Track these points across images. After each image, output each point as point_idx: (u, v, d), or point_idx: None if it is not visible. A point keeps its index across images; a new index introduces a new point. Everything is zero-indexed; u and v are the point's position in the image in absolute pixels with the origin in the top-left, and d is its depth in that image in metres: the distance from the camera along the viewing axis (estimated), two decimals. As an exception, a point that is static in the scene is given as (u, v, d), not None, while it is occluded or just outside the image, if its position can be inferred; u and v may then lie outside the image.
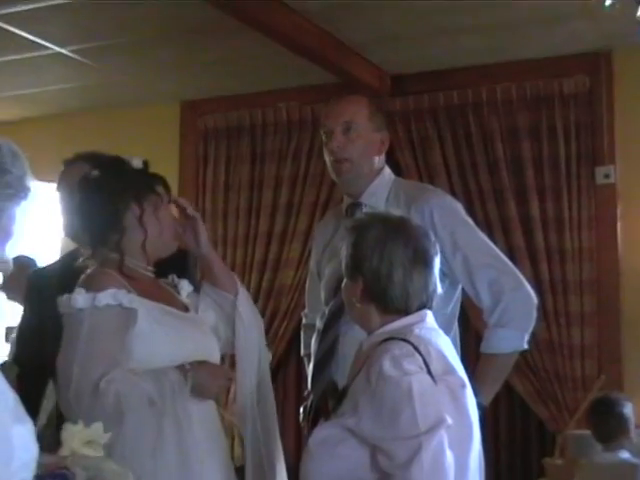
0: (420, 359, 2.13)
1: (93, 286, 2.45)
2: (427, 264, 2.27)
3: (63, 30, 4.78)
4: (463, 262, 2.95)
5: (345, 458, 2.11)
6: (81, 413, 2.33)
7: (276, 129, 5.96)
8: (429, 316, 2.30)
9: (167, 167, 6.09)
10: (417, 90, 5.59)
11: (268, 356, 2.83)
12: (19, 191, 1.67)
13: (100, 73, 5.50)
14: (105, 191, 2.55)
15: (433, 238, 2.32)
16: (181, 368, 2.45)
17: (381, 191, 3.06)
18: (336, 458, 2.12)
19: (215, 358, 2.65)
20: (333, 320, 2.96)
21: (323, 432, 2.18)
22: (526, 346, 2.97)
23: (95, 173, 2.59)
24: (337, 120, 3.02)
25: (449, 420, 2.06)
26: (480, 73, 5.46)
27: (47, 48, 5.01)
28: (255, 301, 5.55)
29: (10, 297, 5.05)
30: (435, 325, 2.31)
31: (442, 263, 2.45)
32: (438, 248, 2.32)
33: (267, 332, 5.73)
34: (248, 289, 5.49)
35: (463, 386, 2.21)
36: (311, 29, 4.81)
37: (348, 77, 5.31)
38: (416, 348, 2.15)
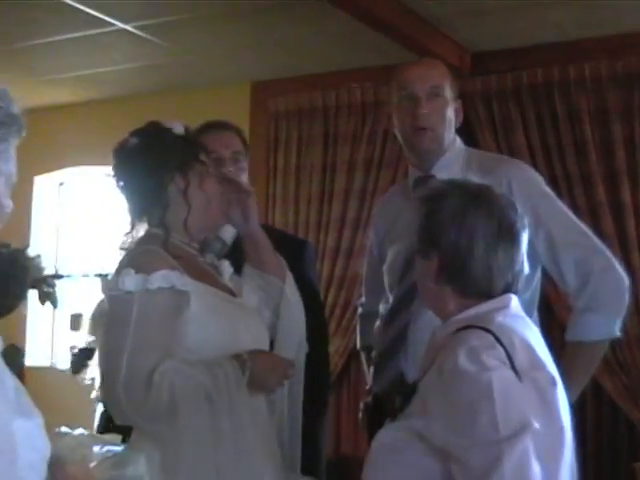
0: (502, 352, 1.84)
1: (143, 266, 2.21)
2: (513, 239, 1.97)
3: (126, 4, 4.57)
4: (546, 239, 2.67)
5: (412, 467, 1.84)
6: (130, 409, 2.12)
7: (350, 111, 5.68)
8: (514, 301, 2.00)
9: (237, 150, 5.97)
10: (499, 68, 5.27)
11: (305, 349, 2.58)
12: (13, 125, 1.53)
13: (167, 52, 5.28)
14: (146, 161, 2.32)
15: (520, 210, 2.02)
16: (238, 358, 2.21)
17: (453, 163, 2.81)
18: (402, 466, 1.85)
19: (265, 345, 2.42)
20: (402, 305, 2.69)
21: (388, 435, 1.90)
22: (618, 333, 2.67)
23: (134, 140, 2.36)
24: (423, 85, 2.77)
25: (536, 424, 1.77)
26: (567, 49, 5.12)
27: (110, 24, 4.81)
28: (327, 291, 5.42)
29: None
30: (521, 312, 2.01)
31: None
32: (525, 222, 2.02)
33: (339, 324, 5.50)
34: (320, 278, 5.32)
35: (554, 384, 1.91)
36: (388, 3, 4.54)
37: (426, 55, 5.04)
38: (498, 339, 1.86)
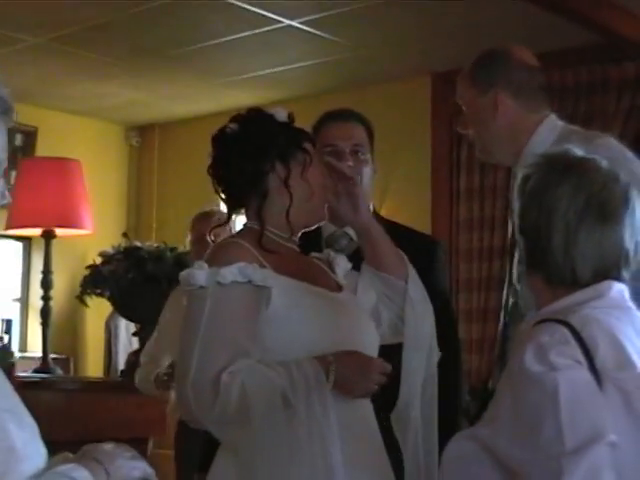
0: (578, 348, 1.57)
1: (217, 259, 2.06)
2: (607, 217, 1.69)
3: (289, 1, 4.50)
4: None
5: None
6: (199, 411, 1.98)
7: (535, 98, 5.36)
8: (615, 290, 1.70)
9: (419, 145, 5.78)
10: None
11: (437, 354, 2.34)
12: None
13: (340, 47, 5.18)
14: (245, 148, 2.18)
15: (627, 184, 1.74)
16: (322, 359, 2.01)
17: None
18: None
19: (372, 348, 2.19)
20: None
21: (455, 447, 1.67)
22: None
23: (233, 127, 2.22)
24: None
25: (612, 436, 1.49)
26: None
27: (277, 21, 4.75)
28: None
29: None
30: (626, 302, 1.71)
31: None
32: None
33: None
34: (504, 274, 5.05)
35: None
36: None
37: (611, 36, 4.69)
38: (575, 332, 1.59)
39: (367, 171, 2.82)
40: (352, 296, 2.28)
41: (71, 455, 1.47)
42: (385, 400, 2.17)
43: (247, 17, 4.66)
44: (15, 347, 6.14)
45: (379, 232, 2.32)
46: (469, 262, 5.53)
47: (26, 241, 6.27)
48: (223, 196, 2.24)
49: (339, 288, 2.27)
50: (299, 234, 2.27)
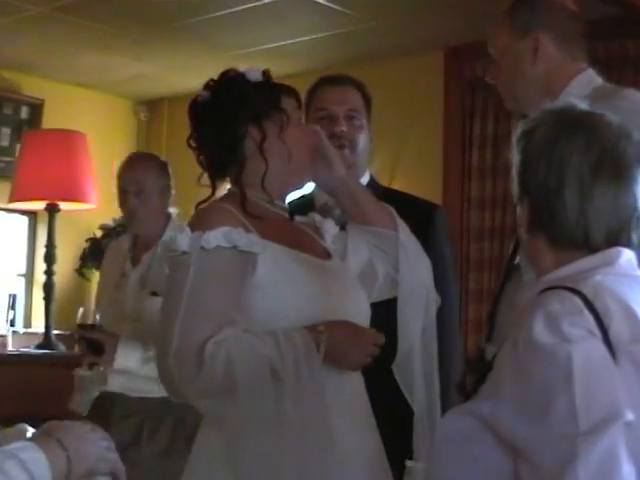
0: (592, 319, 1.47)
1: (202, 224, 1.97)
2: (621, 176, 1.58)
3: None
4: None
5: (479, 461, 1.50)
6: (182, 383, 1.88)
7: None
8: (625, 256, 1.60)
9: (431, 121, 5.63)
10: None
11: (437, 300, 2.23)
12: None
13: (351, 19, 5.05)
14: (217, 115, 2.10)
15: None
16: (312, 329, 1.92)
17: None
18: (467, 461, 1.51)
19: (363, 317, 2.10)
20: (510, 260, 2.31)
21: (451, 423, 1.57)
22: None
23: (205, 94, 2.14)
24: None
25: (630, 415, 1.39)
26: None
27: (285, -9, 4.63)
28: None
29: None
30: (635, 271, 1.60)
31: None
32: None
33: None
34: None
35: None
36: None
37: (629, 9, 4.56)
38: (589, 303, 1.48)
39: (362, 138, 2.74)
40: (342, 263, 2.20)
41: (29, 429, 1.33)
42: (386, 356, 2.08)
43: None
44: (19, 323, 6.07)
45: (359, 187, 2.26)
46: (480, 241, 5.40)
47: (32, 215, 6.19)
48: (205, 166, 2.16)
49: (328, 255, 2.18)
50: (285, 198, 2.19)
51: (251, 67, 2.13)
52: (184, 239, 1.95)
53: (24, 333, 5.93)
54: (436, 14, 5.02)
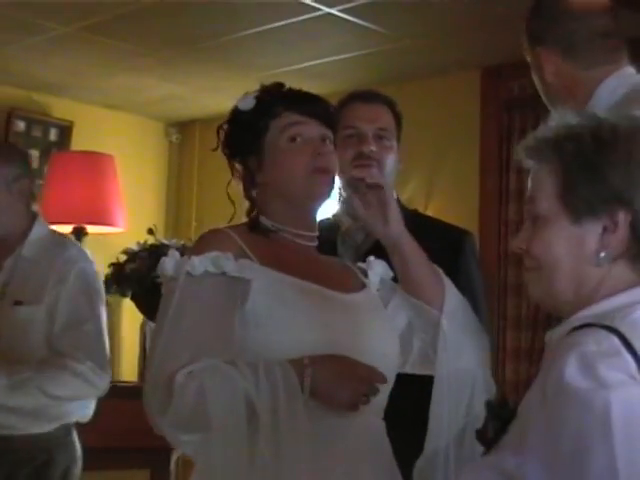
0: (632, 362, 1.30)
1: (195, 248, 1.89)
2: None
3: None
4: None
5: None
6: (153, 413, 1.75)
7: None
8: None
9: (467, 143, 5.45)
10: None
11: (491, 390, 2.03)
12: None
13: (383, 38, 4.91)
14: (229, 149, 2.13)
15: None
16: (296, 363, 1.75)
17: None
18: None
19: (379, 356, 1.90)
20: None
21: (476, 477, 1.40)
22: None
23: (225, 126, 2.11)
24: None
25: None
26: None
27: (314, 9, 4.49)
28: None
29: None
30: None
31: None
32: None
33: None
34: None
35: None
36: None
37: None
38: (626, 341, 1.32)
39: (391, 159, 2.60)
40: (369, 297, 2.02)
41: None
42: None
43: (282, 4, 4.42)
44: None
45: (413, 248, 2.05)
46: (518, 267, 5.22)
47: (62, 239, 6.10)
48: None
49: (357, 288, 2.02)
50: (312, 225, 2.05)
51: (243, 97, 2.04)
52: (171, 263, 1.85)
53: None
54: (472, 32, 4.88)
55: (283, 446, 1.69)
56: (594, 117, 1.54)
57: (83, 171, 5.39)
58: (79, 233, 5.37)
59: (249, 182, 2.02)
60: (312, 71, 5.39)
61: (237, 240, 1.90)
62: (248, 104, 2.01)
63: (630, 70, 2.26)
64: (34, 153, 5.91)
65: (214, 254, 1.83)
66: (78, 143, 5.98)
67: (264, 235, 1.98)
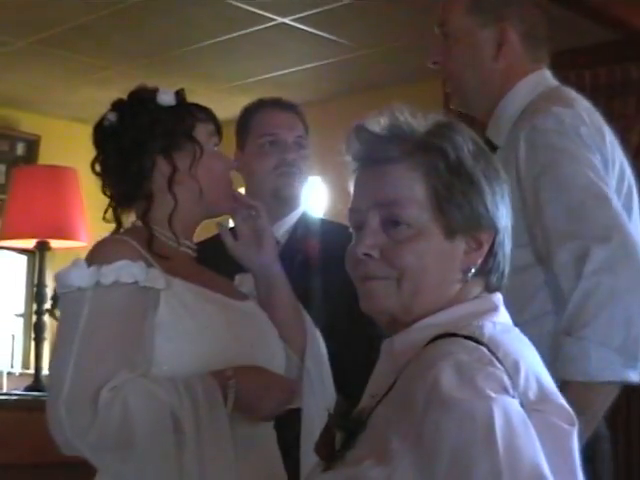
0: (503, 372, 1.25)
1: (99, 257, 1.79)
2: None
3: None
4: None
5: None
6: (74, 434, 1.67)
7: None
8: (502, 301, 1.42)
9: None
10: None
11: None
12: None
13: (343, 48, 4.89)
14: (123, 142, 1.91)
15: None
16: (218, 375, 1.73)
17: (505, 119, 2.12)
18: None
19: (278, 364, 1.90)
20: None
21: None
22: (635, 378, 1.85)
23: (111, 117, 1.96)
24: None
25: (549, 478, 1.17)
26: None
27: (269, 19, 4.47)
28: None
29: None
30: (510, 321, 1.41)
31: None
32: None
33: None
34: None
35: (571, 423, 1.30)
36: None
37: (630, 33, 4.37)
38: (493, 353, 1.27)
39: (307, 167, 2.58)
40: (257, 306, 1.99)
41: None
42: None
43: (235, 15, 4.40)
44: (18, 364, 5.95)
45: (282, 283, 2.00)
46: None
47: (30, 254, 6.08)
48: (109, 195, 1.98)
49: (243, 297, 1.98)
50: (192, 236, 2.00)
51: (164, 89, 1.96)
52: (78, 274, 1.76)
53: (20, 374, 5.79)
54: (427, 40, 4.83)
55: (207, 459, 1.67)
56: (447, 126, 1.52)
57: (46, 185, 5.35)
58: (42, 247, 5.33)
59: (167, 183, 1.93)
60: (277, 82, 5.38)
61: (140, 249, 1.84)
62: (167, 100, 1.96)
63: (548, 73, 2.23)
64: (1, 168, 5.89)
65: (125, 262, 1.76)
66: (46, 157, 5.95)
67: (160, 248, 1.90)
